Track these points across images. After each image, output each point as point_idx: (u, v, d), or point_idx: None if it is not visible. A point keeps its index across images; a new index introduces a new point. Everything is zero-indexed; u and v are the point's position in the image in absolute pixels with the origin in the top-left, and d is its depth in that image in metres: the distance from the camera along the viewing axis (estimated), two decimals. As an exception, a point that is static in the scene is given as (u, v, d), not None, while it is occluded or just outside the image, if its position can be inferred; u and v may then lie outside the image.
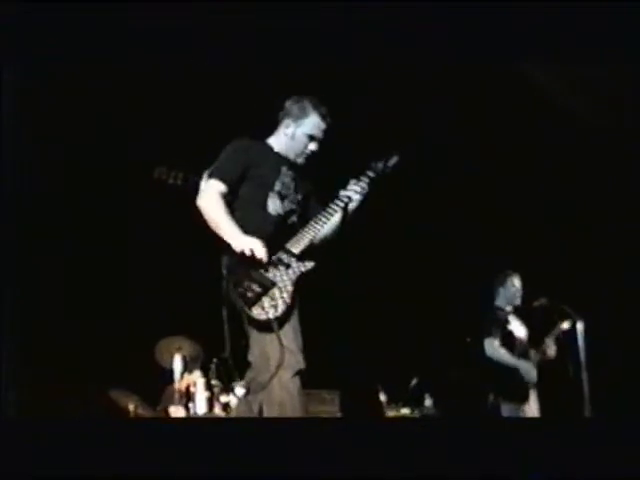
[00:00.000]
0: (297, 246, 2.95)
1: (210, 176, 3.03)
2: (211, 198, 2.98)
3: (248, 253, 2.85)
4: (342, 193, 3.07)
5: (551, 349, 4.95)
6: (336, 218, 3.08)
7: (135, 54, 3.26)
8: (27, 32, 3.04)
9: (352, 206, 3.10)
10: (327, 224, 3.03)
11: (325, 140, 3.16)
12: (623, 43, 3.11)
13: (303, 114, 3.11)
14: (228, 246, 2.93)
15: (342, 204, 3.05)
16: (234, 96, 4.75)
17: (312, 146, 3.13)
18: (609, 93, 4.46)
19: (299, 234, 2.99)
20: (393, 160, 3.12)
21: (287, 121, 3.14)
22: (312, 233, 2.98)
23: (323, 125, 3.12)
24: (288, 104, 3.17)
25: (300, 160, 3.15)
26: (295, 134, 3.11)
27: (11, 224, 3.55)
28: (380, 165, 3.11)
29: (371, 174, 3.10)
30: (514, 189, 5.63)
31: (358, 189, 3.07)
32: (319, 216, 3.02)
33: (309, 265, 2.92)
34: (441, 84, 4.76)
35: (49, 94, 4.43)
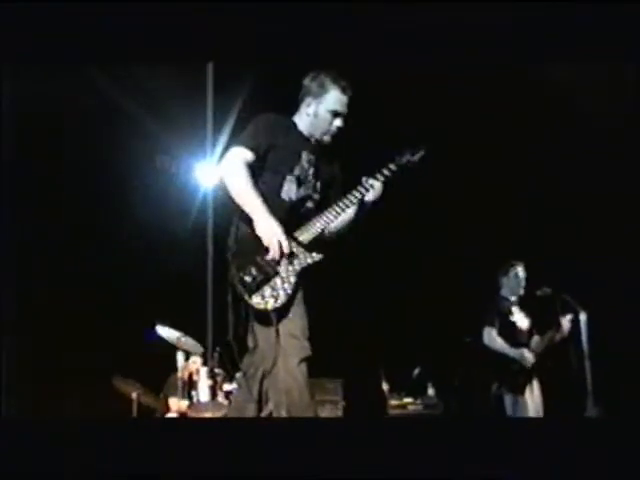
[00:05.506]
0: (305, 235, 2.82)
1: (236, 144, 2.84)
2: (236, 166, 2.79)
3: (270, 240, 2.71)
4: (361, 184, 2.89)
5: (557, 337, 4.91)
6: (350, 211, 2.92)
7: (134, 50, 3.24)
8: (27, 32, 3.02)
9: (369, 199, 2.91)
10: (340, 216, 2.88)
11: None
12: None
13: (323, 90, 2.92)
14: (239, 223, 2.80)
15: (358, 197, 2.87)
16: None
17: (337, 122, 2.93)
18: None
19: (309, 223, 2.84)
20: (420, 154, 2.92)
21: (307, 100, 2.95)
22: (323, 223, 2.84)
23: (345, 99, 2.93)
24: (306, 82, 2.97)
25: (327, 138, 2.96)
26: (318, 112, 2.92)
27: (11, 223, 3.55)
28: (405, 158, 2.90)
29: (393, 167, 2.90)
30: (518, 179, 5.61)
31: (376, 183, 2.89)
32: (333, 207, 2.85)
33: (316, 257, 2.78)
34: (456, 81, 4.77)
35: (49, 94, 4.43)
